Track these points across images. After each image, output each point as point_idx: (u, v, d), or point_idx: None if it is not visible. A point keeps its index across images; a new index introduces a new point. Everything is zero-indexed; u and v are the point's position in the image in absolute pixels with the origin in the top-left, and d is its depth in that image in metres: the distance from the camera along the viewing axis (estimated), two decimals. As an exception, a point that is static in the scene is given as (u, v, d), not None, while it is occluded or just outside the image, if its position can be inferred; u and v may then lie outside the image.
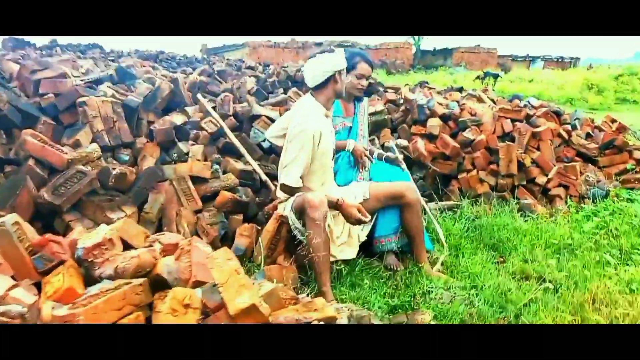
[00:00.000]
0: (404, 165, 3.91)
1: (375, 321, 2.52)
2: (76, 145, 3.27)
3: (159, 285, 2.17)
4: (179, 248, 2.37)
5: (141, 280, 2.04)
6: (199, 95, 4.31)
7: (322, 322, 2.18)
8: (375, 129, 5.37)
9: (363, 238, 3.52)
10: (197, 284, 2.20)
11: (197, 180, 3.55)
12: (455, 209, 4.68)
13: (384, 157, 3.88)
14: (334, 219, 3.33)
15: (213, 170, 3.65)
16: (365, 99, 4.13)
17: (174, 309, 1.97)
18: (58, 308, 1.90)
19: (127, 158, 3.53)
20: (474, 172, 5.12)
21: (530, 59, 34.63)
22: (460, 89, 7.55)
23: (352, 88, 3.79)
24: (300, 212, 3.08)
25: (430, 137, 5.35)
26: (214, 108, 4.55)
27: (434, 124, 5.34)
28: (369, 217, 3.22)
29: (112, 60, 10.08)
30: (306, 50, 24.04)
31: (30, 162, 2.97)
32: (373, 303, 2.99)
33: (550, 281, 3.43)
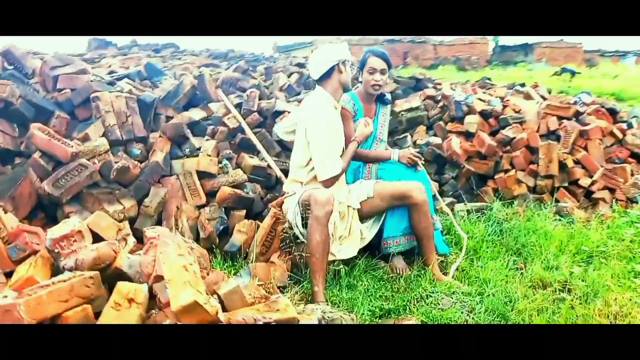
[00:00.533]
0: (420, 166, 3.74)
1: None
2: (85, 139, 3.36)
3: (121, 279, 2.17)
4: (149, 242, 2.37)
5: (92, 273, 2.05)
6: (219, 91, 4.33)
7: (281, 323, 2.12)
8: (409, 125, 5.22)
9: (369, 237, 3.40)
10: (158, 279, 2.19)
11: (205, 175, 3.57)
12: (485, 211, 4.45)
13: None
14: (339, 214, 3.24)
15: (222, 166, 3.65)
16: (390, 101, 4.00)
17: (118, 303, 1.96)
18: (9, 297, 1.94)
19: (138, 152, 3.60)
20: (512, 172, 4.85)
21: (621, 54, 32.59)
22: (522, 85, 7.18)
23: (367, 85, 3.65)
24: (306, 207, 3.02)
25: (468, 135, 5.12)
26: (240, 104, 4.57)
27: (471, 121, 5.11)
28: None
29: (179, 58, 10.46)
30: (375, 46, 23.81)
31: (36, 155, 3.09)
32: (360, 306, 2.87)
33: (568, 290, 3.19)
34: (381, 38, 24.12)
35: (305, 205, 3.05)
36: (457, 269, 3.49)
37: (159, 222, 3.26)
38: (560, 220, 4.30)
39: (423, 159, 3.68)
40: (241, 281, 2.81)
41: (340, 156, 3.25)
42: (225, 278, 2.51)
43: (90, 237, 2.35)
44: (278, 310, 2.23)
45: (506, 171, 4.90)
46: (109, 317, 1.92)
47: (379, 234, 3.50)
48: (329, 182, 3.12)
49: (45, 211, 3.09)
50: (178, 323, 1.93)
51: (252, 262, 3.02)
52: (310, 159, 3.18)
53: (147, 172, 3.32)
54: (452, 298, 3.04)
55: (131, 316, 1.94)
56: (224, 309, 2.17)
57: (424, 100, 5.61)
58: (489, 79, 8.54)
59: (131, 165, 3.28)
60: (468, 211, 4.43)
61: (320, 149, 3.11)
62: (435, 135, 5.21)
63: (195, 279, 2.03)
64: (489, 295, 3.06)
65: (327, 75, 3.21)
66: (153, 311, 2.09)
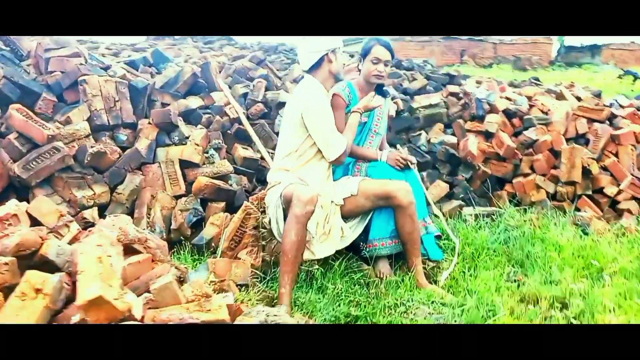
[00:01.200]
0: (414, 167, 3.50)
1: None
2: (67, 122, 3.31)
3: (48, 267, 2.08)
4: (87, 231, 2.28)
5: (8, 259, 1.96)
6: (219, 80, 4.22)
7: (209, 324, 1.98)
8: (427, 123, 4.94)
9: (351, 237, 3.19)
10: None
11: (189, 164, 3.46)
12: (494, 216, 4.16)
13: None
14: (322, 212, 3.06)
15: (208, 156, 3.54)
16: (391, 94, 3.78)
17: (24, 293, 1.86)
18: None
19: (124, 138, 3.53)
20: (532, 176, 4.52)
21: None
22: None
23: (369, 75, 3.44)
24: (287, 202, 2.86)
25: (487, 135, 4.81)
26: (246, 94, 4.45)
27: (491, 120, 4.79)
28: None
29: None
30: (432, 45, 23.31)
31: (11, 136, 3.05)
32: (322, 311, 2.68)
33: (563, 308, 2.90)
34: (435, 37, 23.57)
35: (287, 200, 2.89)
36: (449, 277, 3.25)
37: (132, 211, 3.17)
38: (576, 230, 3.96)
39: (415, 162, 3.44)
40: (197, 276, 2.69)
41: None
42: (172, 271, 2.38)
43: (27, 221, 2.27)
44: (209, 310, 2.09)
45: (526, 175, 4.58)
46: (12, 307, 1.82)
47: (365, 235, 3.30)
48: (341, 159, 3.10)
49: (18, 193, 3.05)
50: (86, 319, 1.81)
51: (219, 257, 2.88)
52: (302, 144, 3.05)
53: (124, 158, 3.24)
54: (428, 308, 2.82)
55: (35, 308, 1.83)
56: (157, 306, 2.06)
57: (446, 96, 5.31)
58: (536, 79, 8.08)
59: (109, 151, 3.20)
60: (476, 216, 4.14)
61: (323, 131, 3.02)
62: (453, 134, 4.92)
63: (111, 272, 1.90)
64: (470, 308, 2.81)
65: (317, 65, 3.07)
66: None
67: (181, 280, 2.68)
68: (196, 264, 2.93)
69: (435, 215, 3.50)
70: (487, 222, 4.06)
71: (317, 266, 3.05)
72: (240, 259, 2.90)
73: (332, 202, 3.14)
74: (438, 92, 5.52)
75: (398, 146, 3.63)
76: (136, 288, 2.22)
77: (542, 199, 4.39)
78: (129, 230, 2.49)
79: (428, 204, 3.61)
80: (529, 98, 5.25)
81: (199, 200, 3.21)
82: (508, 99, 5.20)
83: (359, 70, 3.50)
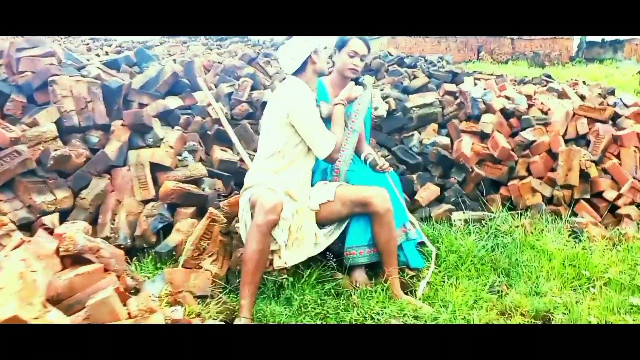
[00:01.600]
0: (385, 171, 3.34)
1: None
2: (34, 124, 3.22)
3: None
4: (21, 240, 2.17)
5: None
6: (200, 80, 4.09)
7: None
8: (421, 123, 4.76)
9: (325, 244, 3.04)
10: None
11: (161, 168, 3.34)
12: (485, 221, 3.97)
13: (368, 161, 3.35)
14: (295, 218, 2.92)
15: (181, 159, 3.42)
16: (370, 87, 3.60)
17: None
18: None
19: (96, 140, 3.42)
20: (528, 179, 4.32)
21: None
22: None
23: (344, 68, 3.29)
24: (253, 208, 2.73)
25: (483, 136, 4.62)
26: (231, 94, 4.33)
27: (487, 120, 4.60)
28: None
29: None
30: (448, 41, 22.98)
31: (-28, 139, 2.96)
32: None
33: (546, 322, 2.73)
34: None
35: (252, 204, 2.75)
36: (427, 287, 3.10)
37: (97, 217, 3.06)
38: (570, 237, 3.76)
39: (388, 166, 3.29)
40: (152, 287, 2.57)
41: None
42: (116, 283, 2.27)
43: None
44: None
45: (522, 178, 4.38)
46: None
47: (342, 242, 3.16)
48: (333, 156, 2.98)
49: (-21, 198, 2.96)
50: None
51: (180, 266, 2.76)
52: (286, 144, 2.93)
53: (90, 162, 3.13)
54: (399, 321, 2.66)
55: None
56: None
57: (443, 95, 5.12)
58: (548, 75, 7.82)
59: (74, 154, 3.10)
60: (466, 221, 3.97)
61: (313, 130, 2.91)
62: (448, 134, 4.74)
63: (32, 289, 1.79)
64: (444, 320, 2.66)
65: (301, 69, 2.98)
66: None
67: (137, 292, 2.58)
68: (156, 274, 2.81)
69: (410, 222, 3.33)
70: (476, 228, 3.88)
71: (286, 275, 2.91)
72: (202, 268, 2.77)
73: (308, 207, 3.01)
74: (438, 90, 5.34)
75: (367, 150, 3.45)
76: (79, 302, 2.12)
77: (537, 203, 4.19)
78: (77, 239, 2.38)
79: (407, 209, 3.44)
80: (529, 97, 5.04)
81: (166, 205, 3.09)
82: (507, 97, 5.00)
83: (333, 63, 3.38)
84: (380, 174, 3.27)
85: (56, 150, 3.04)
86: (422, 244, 3.48)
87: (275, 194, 2.63)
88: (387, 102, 4.66)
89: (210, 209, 2.90)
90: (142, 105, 3.82)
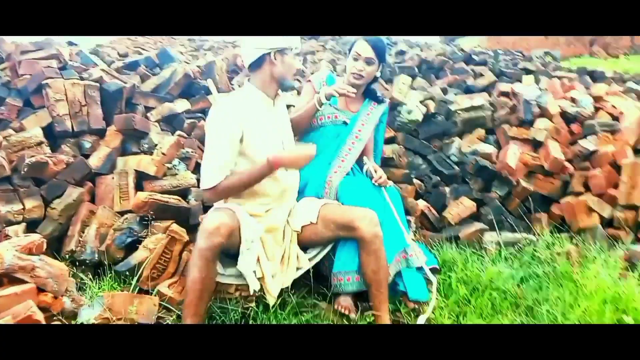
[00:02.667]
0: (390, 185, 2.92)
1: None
2: (20, 129, 3.12)
3: None
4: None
5: None
6: (209, 81, 3.84)
7: None
8: (466, 128, 4.21)
9: (306, 267, 2.67)
10: None
11: (148, 176, 3.12)
12: (521, 246, 3.39)
13: (364, 170, 2.94)
14: (270, 239, 2.59)
15: (171, 167, 3.18)
16: (386, 101, 3.22)
17: None
18: None
19: (89, 145, 3.28)
20: (585, 196, 3.67)
21: None
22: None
23: (348, 74, 3.01)
24: None
25: (536, 144, 3.99)
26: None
27: (540, 126, 3.97)
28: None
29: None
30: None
31: (-50, 144, 2.90)
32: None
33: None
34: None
35: None
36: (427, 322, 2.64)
37: (67, 227, 2.89)
38: (627, 270, 3.10)
39: (384, 179, 2.87)
40: (89, 313, 2.34)
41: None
42: (31, 309, 2.05)
43: None
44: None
45: (578, 194, 3.73)
46: None
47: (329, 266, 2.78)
48: (209, 194, 2.41)
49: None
50: None
51: (132, 288, 2.51)
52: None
53: (68, 169, 2.97)
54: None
55: None
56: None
57: (498, 96, 4.52)
58: (602, 71, 6.79)
59: (52, 161, 2.95)
60: (498, 244, 3.41)
61: (208, 153, 2.42)
62: (497, 141, 4.16)
63: None
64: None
65: (256, 64, 2.55)
66: None
67: (75, 316, 2.37)
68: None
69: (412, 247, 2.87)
70: (510, 253, 3.32)
71: (253, 304, 2.57)
72: (151, 292, 2.49)
73: (289, 226, 2.68)
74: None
75: (365, 158, 3.02)
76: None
77: (592, 225, 3.53)
78: (5, 257, 2.19)
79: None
80: (598, 98, 4.32)
81: (138, 218, 2.85)
82: (572, 99, 4.32)
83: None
84: (376, 191, 2.85)
85: (32, 156, 2.91)
86: (434, 270, 3.00)
87: (219, 215, 2.29)
88: (425, 105, 4.17)
89: (173, 226, 2.63)
90: (148, 109, 3.64)
